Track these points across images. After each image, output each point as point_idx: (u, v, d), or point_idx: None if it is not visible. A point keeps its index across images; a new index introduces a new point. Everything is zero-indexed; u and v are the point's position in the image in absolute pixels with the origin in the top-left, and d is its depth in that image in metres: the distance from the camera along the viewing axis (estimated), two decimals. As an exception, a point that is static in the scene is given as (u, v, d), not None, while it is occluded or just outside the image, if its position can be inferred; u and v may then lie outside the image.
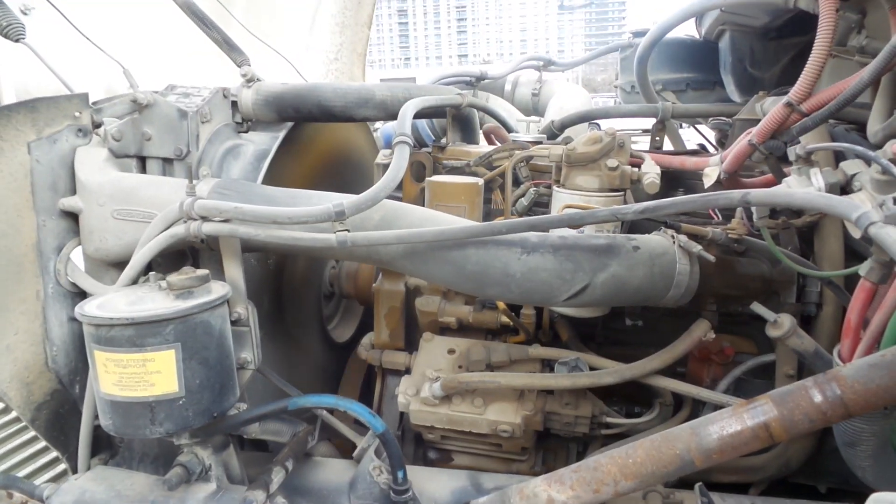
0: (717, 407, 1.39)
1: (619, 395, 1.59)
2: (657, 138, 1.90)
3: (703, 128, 2.81)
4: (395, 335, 1.59)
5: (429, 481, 1.40)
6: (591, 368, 1.38)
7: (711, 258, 1.18)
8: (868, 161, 0.99)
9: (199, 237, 1.22)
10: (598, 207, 1.31)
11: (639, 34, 2.77)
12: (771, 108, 1.53)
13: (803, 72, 1.20)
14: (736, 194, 0.95)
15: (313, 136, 1.85)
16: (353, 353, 2.06)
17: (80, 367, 1.57)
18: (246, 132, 1.72)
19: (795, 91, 1.20)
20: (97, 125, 1.54)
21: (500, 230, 1.14)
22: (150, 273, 1.25)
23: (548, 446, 1.57)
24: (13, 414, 1.43)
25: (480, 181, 1.54)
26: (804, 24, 2.05)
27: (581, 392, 1.39)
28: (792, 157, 1.06)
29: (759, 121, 1.59)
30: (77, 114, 1.49)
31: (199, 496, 1.30)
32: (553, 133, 1.98)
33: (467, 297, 1.59)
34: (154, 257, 1.31)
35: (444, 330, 1.57)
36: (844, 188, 1.04)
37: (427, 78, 2.29)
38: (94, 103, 1.54)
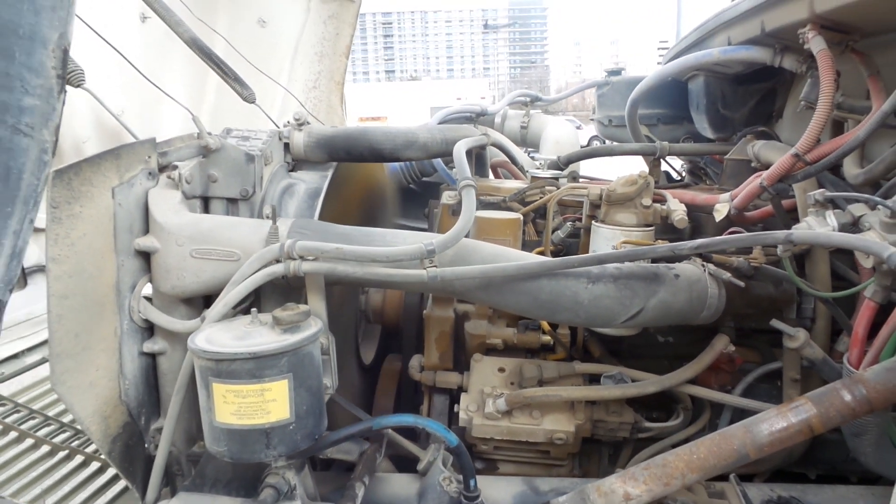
0: (736, 409, 1.62)
1: (640, 402, 1.80)
2: (653, 173, 2.14)
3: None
4: (445, 357, 1.74)
5: (489, 488, 1.55)
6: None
7: (742, 284, 1.41)
8: (873, 206, 1.24)
9: (298, 275, 1.34)
10: (639, 240, 1.52)
11: (613, 73, 3.06)
12: (761, 151, 1.80)
13: (808, 128, 1.45)
14: (781, 234, 1.17)
15: (346, 174, 1.98)
16: (382, 371, 2.20)
17: (145, 399, 1.64)
18: (294, 171, 1.84)
19: (802, 144, 1.46)
20: (162, 168, 1.62)
21: (573, 264, 1.33)
22: (252, 310, 1.36)
23: (582, 451, 1.76)
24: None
25: (520, 216, 1.72)
26: (768, 71, 2.37)
27: (622, 401, 1.59)
28: (811, 202, 1.30)
29: (748, 161, 1.86)
30: (148, 157, 1.57)
31: (289, 514, 1.41)
32: (559, 167, 2.19)
33: (509, 320, 1.77)
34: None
35: (489, 350, 1.74)
36: (852, 227, 1.29)
37: (437, 115, 2.47)
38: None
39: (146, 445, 1.65)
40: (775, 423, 1.20)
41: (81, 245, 1.39)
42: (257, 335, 1.29)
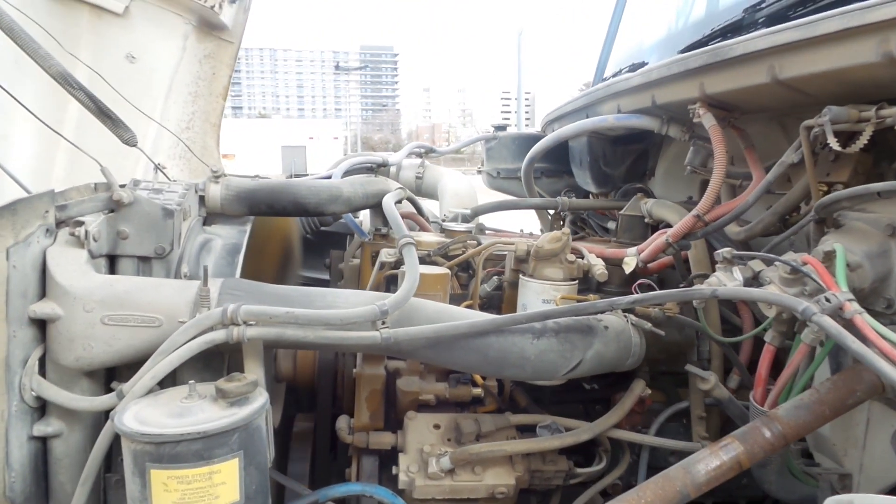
0: (654, 449, 1.75)
1: (564, 449, 1.88)
2: (554, 226, 2.29)
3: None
4: (376, 416, 1.70)
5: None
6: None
7: (662, 333, 1.55)
8: (768, 262, 1.43)
9: (243, 342, 1.25)
10: (570, 295, 1.62)
11: (499, 128, 3.24)
12: (654, 208, 2.00)
13: (707, 192, 1.65)
14: (707, 290, 1.31)
15: (260, 227, 1.89)
16: (294, 435, 2.08)
17: (33, 491, 1.41)
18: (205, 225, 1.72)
19: (701, 206, 1.65)
20: (58, 223, 1.44)
21: (521, 320, 1.38)
22: (190, 382, 1.23)
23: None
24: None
25: (448, 271, 1.75)
26: (641, 136, 2.65)
27: (554, 451, 1.65)
28: (719, 259, 1.46)
29: (641, 216, 2.06)
30: (46, 212, 1.39)
31: None
32: (466, 220, 2.26)
33: (439, 375, 1.77)
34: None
35: (420, 406, 1.72)
36: (753, 281, 1.47)
37: (340, 166, 2.43)
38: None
39: (32, 546, 1.41)
40: (710, 462, 1.31)
41: (-31, 318, 1.19)
42: (199, 410, 1.17)
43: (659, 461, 1.82)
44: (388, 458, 1.76)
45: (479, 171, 3.30)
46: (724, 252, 1.46)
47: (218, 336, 1.25)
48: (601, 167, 2.71)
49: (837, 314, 1.17)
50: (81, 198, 1.49)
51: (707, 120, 1.67)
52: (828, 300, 1.17)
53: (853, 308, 1.16)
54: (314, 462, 2.01)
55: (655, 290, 1.76)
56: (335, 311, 1.27)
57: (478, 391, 1.74)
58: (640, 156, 2.73)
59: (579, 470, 1.65)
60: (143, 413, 1.18)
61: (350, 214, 2.36)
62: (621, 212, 2.16)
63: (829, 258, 1.28)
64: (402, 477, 1.55)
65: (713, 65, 1.56)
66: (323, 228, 2.74)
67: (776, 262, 1.40)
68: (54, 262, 1.36)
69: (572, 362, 1.45)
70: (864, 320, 1.15)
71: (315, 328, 1.27)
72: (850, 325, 1.16)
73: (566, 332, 1.46)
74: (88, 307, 1.34)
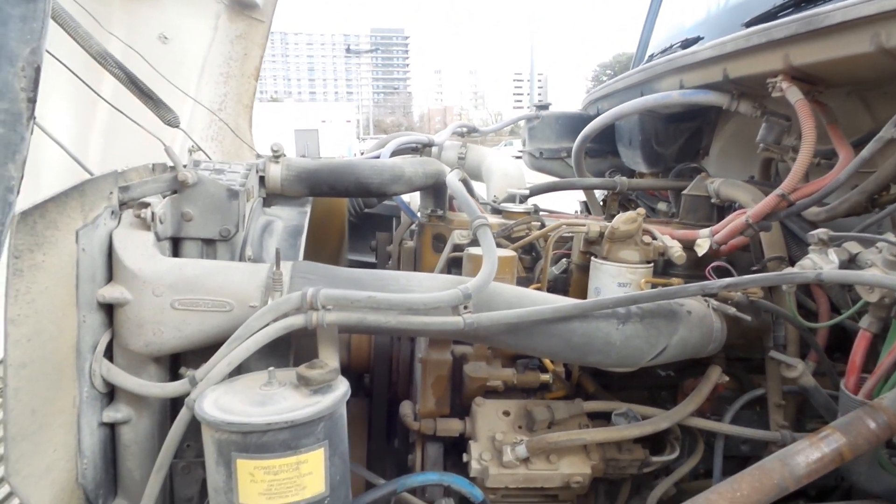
0: (729, 437, 1.69)
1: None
2: (611, 207, 2.21)
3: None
4: (442, 402, 1.65)
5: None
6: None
7: (748, 318, 1.47)
8: (866, 244, 1.35)
9: (322, 327, 1.19)
10: (643, 278, 1.55)
11: (542, 107, 3.15)
12: (721, 188, 1.92)
13: (792, 171, 1.56)
14: (811, 273, 1.24)
15: (317, 208, 1.83)
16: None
17: (102, 478, 1.38)
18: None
19: (786, 185, 1.56)
20: (121, 205, 1.39)
21: (607, 305, 1.31)
22: (269, 369, 1.18)
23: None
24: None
25: (515, 254, 1.68)
26: (695, 113, 2.55)
27: (629, 439, 1.59)
28: (814, 241, 1.39)
29: (706, 196, 1.97)
30: (110, 194, 1.34)
31: None
32: (525, 199, 2.19)
33: (506, 361, 1.71)
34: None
35: (487, 393, 1.67)
36: (849, 264, 1.39)
37: (388, 146, 2.36)
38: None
39: (102, 533, 1.39)
40: (810, 454, 1.24)
41: (42, 301, 1.14)
42: (281, 398, 1.12)
43: (731, 450, 1.76)
44: (452, 446, 1.71)
45: (521, 152, 3.21)
46: (819, 233, 1.38)
47: (296, 321, 1.20)
48: (653, 146, 2.62)
49: (959, 299, 1.10)
50: (142, 179, 1.44)
51: (792, 94, 1.58)
52: (949, 284, 1.10)
53: (977, 292, 1.08)
54: (370, 449, 1.96)
55: (733, 274, 1.69)
56: (417, 295, 1.21)
57: (546, 377, 1.68)
58: (694, 134, 2.63)
59: (654, 458, 1.59)
60: (222, 400, 1.13)
61: (404, 200, 2.29)
62: (685, 192, 2.08)
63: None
64: (475, 465, 1.50)
65: (804, 34, 1.47)
66: (366, 211, 2.68)
67: (878, 244, 1.32)
68: (121, 244, 1.31)
69: (657, 348, 1.38)
70: None
71: (396, 313, 1.21)
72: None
73: (651, 317, 1.39)
74: (158, 291, 1.29)
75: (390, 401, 2.09)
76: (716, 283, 1.30)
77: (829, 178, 1.54)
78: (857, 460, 1.46)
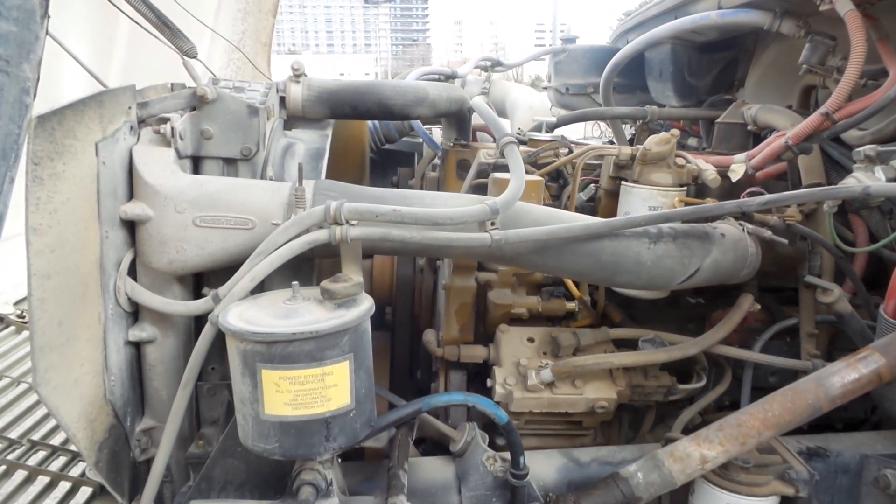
0: (757, 368, 1.65)
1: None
2: (641, 137, 2.13)
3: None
4: (466, 329, 1.63)
5: (529, 464, 1.47)
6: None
7: (785, 241, 1.42)
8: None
9: (346, 242, 1.16)
10: (676, 201, 1.49)
11: (569, 40, 3.03)
12: (759, 114, 1.83)
13: (838, 87, 1.48)
14: (857, 187, 1.17)
15: (338, 133, 1.79)
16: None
17: (130, 396, 1.39)
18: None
19: (832, 102, 1.48)
20: (140, 121, 1.36)
21: (639, 223, 1.26)
22: (293, 283, 1.16)
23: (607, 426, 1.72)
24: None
25: (542, 178, 1.63)
26: (731, 42, 2.43)
27: (657, 365, 1.57)
28: (860, 158, 1.32)
29: (742, 124, 1.89)
30: (129, 108, 1.31)
31: (330, 513, 1.24)
32: (552, 128, 2.12)
33: (531, 289, 1.68)
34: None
35: (512, 321, 1.65)
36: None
37: (411, 75, 2.29)
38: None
39: (132, 450, 1.41)
40: (846, 374, 1.21)
41: (64, 212, 1.13)
42: (305, 312, 1.10)
43: (759, 381, 1.72)
44: (475, 375, 1.71)
45: (546, 88, 3.11)
46: (865, 149, 1.32)
47: (320, 236, 1.17)
48: (685, 77, 2.51)
49: None
50: (161, 96, 1.41)
51: (842, 5, 1.48)
52: None
53: None
54: (392, 382, 1.97)
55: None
56: (444, 209, 1.17)
57: (572, 305, 1.65)
58: (729, 64, 2.52)
59: (681, 386, 1.57)
60: (247, 314, 1.12)
61: (422, 126, 2.24)
62: (719, 119, 1.99)
63: None
64: (499, 389, 1.49)
65: (858, -64, 1.37)
66: (386, 147, 2.63)
67: (930, 159, 1.25)
68: (141, 161, 1.29)
69: (690, 269, 1.34)
70: None
71: (421, 228, 1.18)
72: None
73: (684, 237, 1.35)
74: (180, 208, 1.27)
75: (412, 333, 2.08)
76: (755, 199, 1.25)
77: (878, 95, 1.45)
78: (891, 387, 1.42)
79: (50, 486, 1.72)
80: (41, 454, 1.80)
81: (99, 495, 1.71)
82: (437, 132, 2.45)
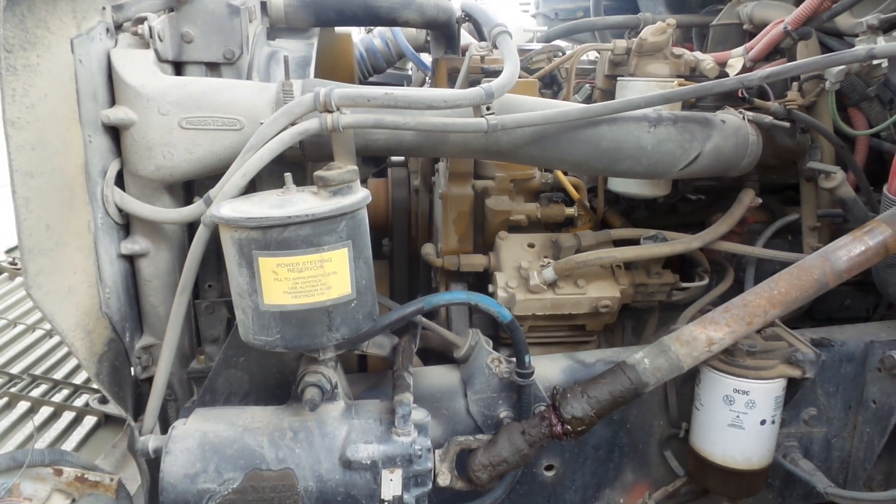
0: (762, 263, 1.64)
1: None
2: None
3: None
4: (465, 239, 1.60)
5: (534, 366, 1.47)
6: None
7: (787, 125, 1.39)
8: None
9: (338, 129, 1.12)
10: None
11: (556, -34, 2.94)
12: (755, 10, 1.78)
13: (838, -36, 1.43)
14: (862, 50, 1.14)
15: (324, 46, 1.73)
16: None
17: (127, 311, 1.37)
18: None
19: (831, -19, 1.43)
20: (117, 26, 1.31)
21: (638, 105, 1.23)
22: (286, 175, 1.12)
23: (607, 326, 1.71)
24: None
25: (535, 80, 1.59)
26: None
27: (660, 263, 1.55)
28: (861, 30, 1.28)
29: (737, 24, 1.84)
30: (103, 9, 1.25)
31: (336, 414, 1.23)
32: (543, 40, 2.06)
33: (528, 196, 1.66)
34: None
35: (511, 228, 1.62)
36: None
37: None
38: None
39: (132, 367, 1.39)
40: (853, 248, 1.20)
41: (42, 109, 1.08)
42: (300, 201, 1.07)
43: (762, 279, 1.71)
44: (476, 287, 1.69)
45: (534, 16, 3.03)
46: (868, 19, 1.28)
47: (311, 125, 1.13)
48: (677, -11, 2.44)
49: None
50: (137, -1, 1.35)
51: None
52: None
53: None
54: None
55: (769, 94, 1.59)
56: (438, 91, 1.13)
57: (571, 210, 1.62)
58: (722, -25, 2.44)
59: (684, 284, 1.56)
60: (241, 207, 1.08)
61: (409, 46, 2.17)
62: (713, 22, 1.94)
63: None
64: (501, 293, 1.47)
65: None
66: (373, 78, 2.56)
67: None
68: (120, 63, 1.24)
69: (691, 154, 1.31)
70: None
71: (416, 113, 1.14)
72: None
73: (684, 121, 1.31)
74: (164, 109, 1.22)
75: (410, 259, 2.06)
76: (755, 73, 1.21)
77: (880, -30, 1.41)
78: (893, 270, 1.41)
79: (53, 417, 1.71)
80: (43, 387, 1.78)
81: (104, 424, 1.70)
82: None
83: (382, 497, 1.16)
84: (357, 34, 2.43)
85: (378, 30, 2.29)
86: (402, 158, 2.07)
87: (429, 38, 2.01)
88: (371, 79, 2.57)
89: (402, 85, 2.62)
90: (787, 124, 1.43)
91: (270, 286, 1.04)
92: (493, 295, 1.51)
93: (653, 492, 1.52)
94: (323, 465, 1.16)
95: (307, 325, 1.06)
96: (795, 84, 1.48)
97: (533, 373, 1.35)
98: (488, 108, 1.17)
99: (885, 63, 1.29)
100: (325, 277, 1.05)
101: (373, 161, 2.48)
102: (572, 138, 1.25)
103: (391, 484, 1.16)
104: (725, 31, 1.91)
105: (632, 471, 1.53)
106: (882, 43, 1.27)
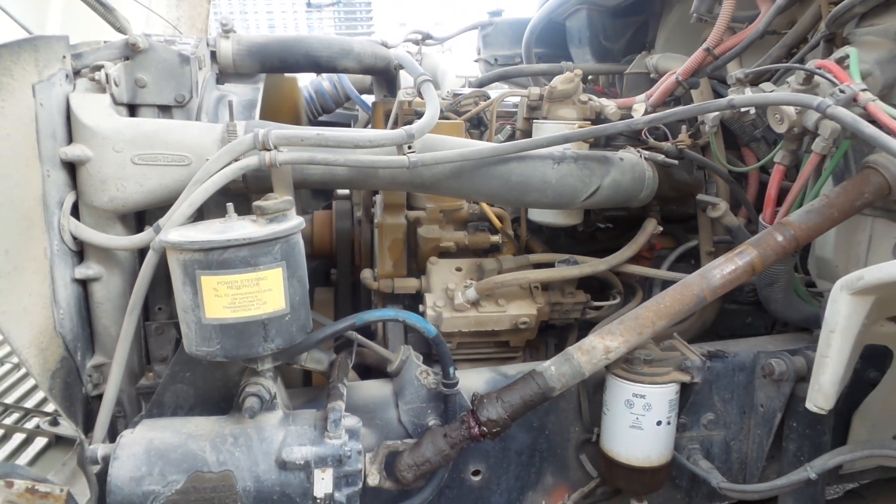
0: (666, 284, 1.83)
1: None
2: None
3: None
4: (399, 265, 1.76)
5: (461, 379, 1.61)
6: (579, 265, 1.72)
7: (675, 162, 1.60)
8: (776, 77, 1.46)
9: (275, 165, 1.28)
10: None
11: (495, 14, 3.19)
12: (659, 61, 2.02)
13: (716, 26, 1.66)
14: (723, 101, 1.35)
15: (270, 88, 1.89)
16: (315, 303, 2.15)
17: (80, 332, 1.47)
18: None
19: (710, 39, 1.67)
20: (76, 71, 1.44)
21: (542, 144, 1.41)
22: (228, 205, 1.27)
23: (530, 344, 1.88)
24: None
25: (462, 122, 1.77)
26: (641, 6, 2.62)
27: (574, 283, 1.73)
28: (732, 81, 1.50)
29: (646, 73, 2.08)
30: (63, 57, 1.39)
31: (274, 422, 1.35)
32: (475, 85, 2.26)
33: (457, 225, 1.82)
34: None
35: (441, 254, 1.78)
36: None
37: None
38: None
39: (84, 385, 1.49)
40: (725, 267, 1.39)
41: (4, 146, 1.21)
42: (240, 228, 1.21)
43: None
44: (410, 307, 1.83)
45: (476, 60, 3.27)
46: (736, 73, 1.50)
47: (251, 162, 1.28)
48: (601, 42, 2.69)
49: (851, 105, 1.22)
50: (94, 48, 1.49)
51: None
52: (842, 91, 1.22)
53: (866, 96, 1.20)
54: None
55: (668, 134, 1.81)
56: (364, 131, 1.30)
57: (496, 238, 1.79)
58: (640, 28, 2.71)
59: (596, 303, 1.73)
60: (186, 232, 1.22)
61: (354, 90, 2.35)
62: (626, 71, 2.17)
63: (841, 62, 1.32)
64: (430, 312, 1.62)
65: None
66: (322, 118, 2.73)
67: (788, 80, 1.44)
68: (78, 106, 1.37)
69: (591, 187, 1.50)
70: (878, 106, 1.19)
71: (345, 151, 1.30)
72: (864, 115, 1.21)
73: (585, 159, 1.51)
74: (118, 147, 1.36)
75: (354, 283, 2.20)
76: (640, 119, 1.41)
77: (750, 31, 1.64)
78: (773, 288, 1.62)
79: (4, 438, 1.77)
80: (-6, 412, 1.85)
81: (54, 444, 1.77)
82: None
83: (315, 495, 1.27)
84: (307, 77, 2.61)
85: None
86: (346, 192, 2.23)
87: (373, 82, 2.18)
88: (321, 118, 2.75)
89: (350, 124, 2.79)
90: (676, 162, 1.64)
91: (211, 301, 1.17)
92: (423, 314, 1.66)
93: (571, 493, 1.66)
94: (260, 467, 1.27)
95: (245, 336, 1.19)
96: (684, 127, 1.70)
97: (457, 383, 1.49)
98: (410, 147, 1.33)
99: (752, 110, 1.51)
100: (260, 294, 1.19)
101: (322, 195, 2.63)
102: (486, 173, 1.43)
103: (323, 482, 1.28)
104: (636, 78, 2.14)
105: (552, 474, 1.67)
106: (749, 93, 1.49)
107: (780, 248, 1.38)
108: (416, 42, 3.00)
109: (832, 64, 1.29)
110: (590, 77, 2.82)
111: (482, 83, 2.29)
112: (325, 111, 2.68)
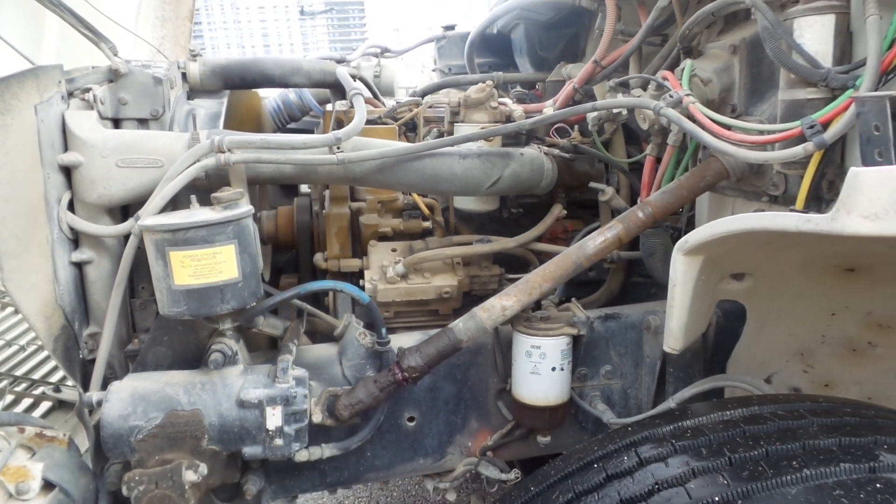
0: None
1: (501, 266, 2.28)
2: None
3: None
4: (345, 247, 2.08)
5: (395, 341, 1.94)
6: (495, 244, 2.05)
7: (568, 156, 1.93)
8: (645, 85, 1.80)
9: (229, 165, 1.61)
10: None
11: (449, 27, 3.53)
12: (572, 70, 2.36)
13: (601, 42, 2.00)
14: (588, 105, 1.68)
15: (236, 103, 2.22)
16: (281, 288, 2.47)
17: (77, 306, 1.79)
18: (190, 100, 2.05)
19: (598, 53, 2.01)
20: (69, 93, 1.77)
21: (448, 143, 1.75)
22: (191, 197, 1.59)
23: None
24: None
25: (395, 126, 2.10)
26: (573, 19, 2.96)
27: (489, 259, 2.06)
28: (606, 89, 1.83)
29: (563, 80, 2.41)
30: (59, 82, 1.72)
31: (235, 373, 1.68)
32: (415, 95, 2.60)
33: (394, 213, 2.16)
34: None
35: (381, 238, 2.11)
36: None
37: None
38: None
39: (80, 351, 1.81)
40: (597, 239, 1.72)
41: (14, 155, 1.54)
42: (201, 214, 1.54)
43: (581, 276, 2.23)
44: (355, 283, 2.16)
45: (434, 70, 3.60)
46: (610, 83, 1.83)
47: (209, 162, 1.61)
48: (538, 52, 3.03)
49: (680, 106, 1.55)
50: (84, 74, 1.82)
51: (601, -16, 2.00)
52: (671, 96, 1.55)
53: (689, 99, 1.54)
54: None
55: (569, 132, 2.14)
56: (300, 136, 1.63)
57: (427, 224, 2.12)
58: (572, 39, 3.04)
59: (510, 276, 2.06)
60: (158, 219, 1.54)
61: (313, 99, 2.69)
62: (547, 79, 2.51)
63: (679, 72, 1.66)
64: (367, 286, 1.95)
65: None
66: (290, 126, 3.06)
67: (650, 84, 1.78)
68: (72, 121, 1.70)
69: (492, 178, 1.83)
70: (697, 107, 1.53)
71: (285, 151, 1.63)
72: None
73: (487, 154, 1.84)
74: (104, 154, 1.69)
75: (314, 269, 2.53)
76: (526, 121, 1.74)
77: (629, 45, 1.98)
78: (653, 258, 1.95)
79: (14, 403, 2.10)
80: (4, 382, 2.17)
81: (57, 408, 2.09)
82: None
83: (267, 427, 1.60)
84: (275, 92, 2.94)
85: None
86: (308, 189, 2.56)
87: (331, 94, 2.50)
88: (289, 126, 3.08)
89: (313, 130, 3.12)
90: (569, 155, 1.97)
91: (178, 272, 1.50)
92: (362, 287, 1.98)
93: (492, 435, 1.99)
94: (223, 406, 1.60)
95: (206, 298, 1.52)
96: (576, 127, 2.03)
97: (389, 342, 1.82)
98: (339, 148, 1.66)
99: (624, 111, 1.85)
100: (217, 265, 1.51)
101: (291, 193, 2.96)
102: (405, 168, 1.76)
103: (273, 418, 1.61)
104: (555, 86, 2.48)
105: (476, 419, 2.00)
106: (621, 98, 1.82)
107: (641, 223, 1.72)
108: (375, 55, 3.33)
109: (670, 74, 1.63)
110: (538, 84, 3.17)
111: (425, 92, 2.62)
112: (292, 119, 3.01)
